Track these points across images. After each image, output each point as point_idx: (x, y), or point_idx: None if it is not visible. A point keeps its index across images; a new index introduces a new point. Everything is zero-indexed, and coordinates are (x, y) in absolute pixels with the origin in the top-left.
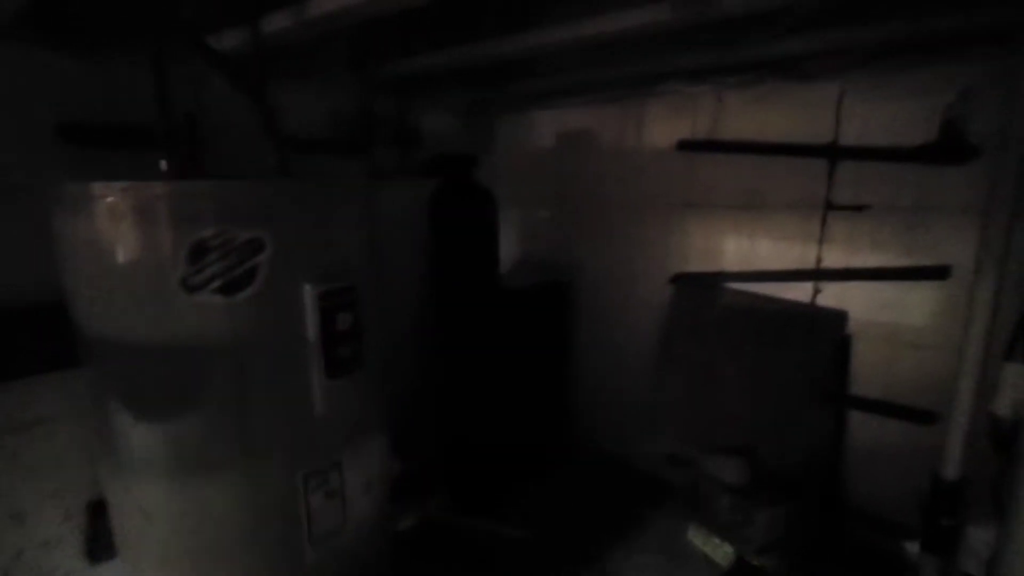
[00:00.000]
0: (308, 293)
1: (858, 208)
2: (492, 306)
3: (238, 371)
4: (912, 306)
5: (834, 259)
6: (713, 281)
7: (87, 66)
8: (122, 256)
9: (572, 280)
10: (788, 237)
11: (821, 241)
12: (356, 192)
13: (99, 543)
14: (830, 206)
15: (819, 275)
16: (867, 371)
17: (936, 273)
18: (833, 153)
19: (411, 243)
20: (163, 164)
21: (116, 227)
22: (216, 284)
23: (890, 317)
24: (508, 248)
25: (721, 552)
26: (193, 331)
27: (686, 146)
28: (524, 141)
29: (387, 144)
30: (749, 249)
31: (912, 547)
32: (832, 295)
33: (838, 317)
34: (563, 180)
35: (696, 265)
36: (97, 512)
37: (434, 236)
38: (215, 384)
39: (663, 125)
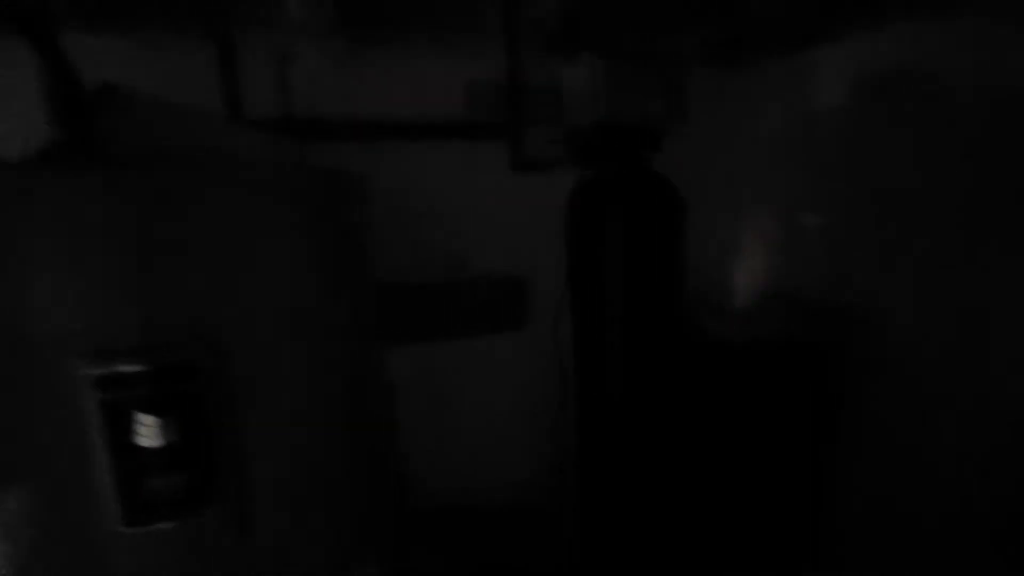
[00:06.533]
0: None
1: None
2: (670, 370)
3: None
4: None
5: None
6: None
7: None
8: None
9: (845, 340)
10: None
11: None
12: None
13: None
14: None
15: None
16: None
17: None
18: None
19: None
20: None
21: None
22: None
23: None
24: (725, 269)
25: None
26: None
27: None
28: (783, 102)
29: (539, 123)
30: None
31: None
32: None
33: None
34: (855, 161)
35: None
36: None
37: (576, 257)
38: None
39: None
